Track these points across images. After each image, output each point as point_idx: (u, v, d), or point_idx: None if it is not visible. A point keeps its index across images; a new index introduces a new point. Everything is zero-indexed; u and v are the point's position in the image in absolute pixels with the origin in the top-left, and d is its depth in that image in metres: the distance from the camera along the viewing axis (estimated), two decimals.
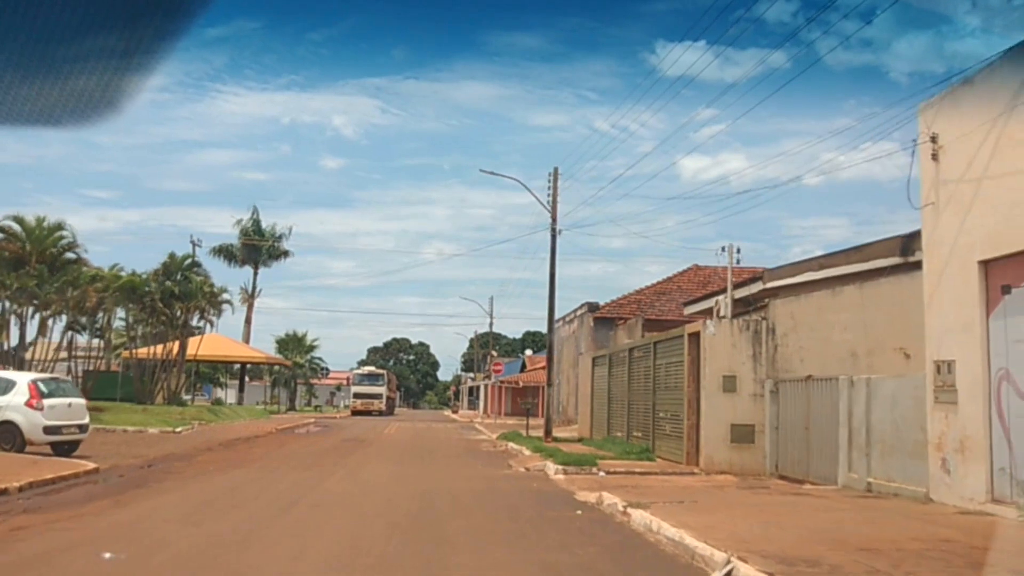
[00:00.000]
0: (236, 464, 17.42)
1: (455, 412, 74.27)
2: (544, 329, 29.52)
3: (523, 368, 62.00)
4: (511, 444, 24.13)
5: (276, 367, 59.51)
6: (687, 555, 7.56)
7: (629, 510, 10.03)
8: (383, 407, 59.21)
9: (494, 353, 67.04)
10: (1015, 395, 9.36)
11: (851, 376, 13.36)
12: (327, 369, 72.06)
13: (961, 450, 10.08)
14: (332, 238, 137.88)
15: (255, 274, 58.13)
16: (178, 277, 34.71)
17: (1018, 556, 7.31)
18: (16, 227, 28.73)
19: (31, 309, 29.65)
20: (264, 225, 58.16)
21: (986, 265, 9.94)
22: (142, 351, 36.16)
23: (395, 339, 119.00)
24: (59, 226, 29.16)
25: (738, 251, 19.18)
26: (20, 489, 11.45)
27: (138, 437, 23.85)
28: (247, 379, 58.91)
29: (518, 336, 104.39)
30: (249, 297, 57.55)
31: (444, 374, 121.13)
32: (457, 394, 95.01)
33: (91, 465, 14.60)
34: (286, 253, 59.30)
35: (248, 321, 57.23)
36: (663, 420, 19.33)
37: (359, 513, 10.83)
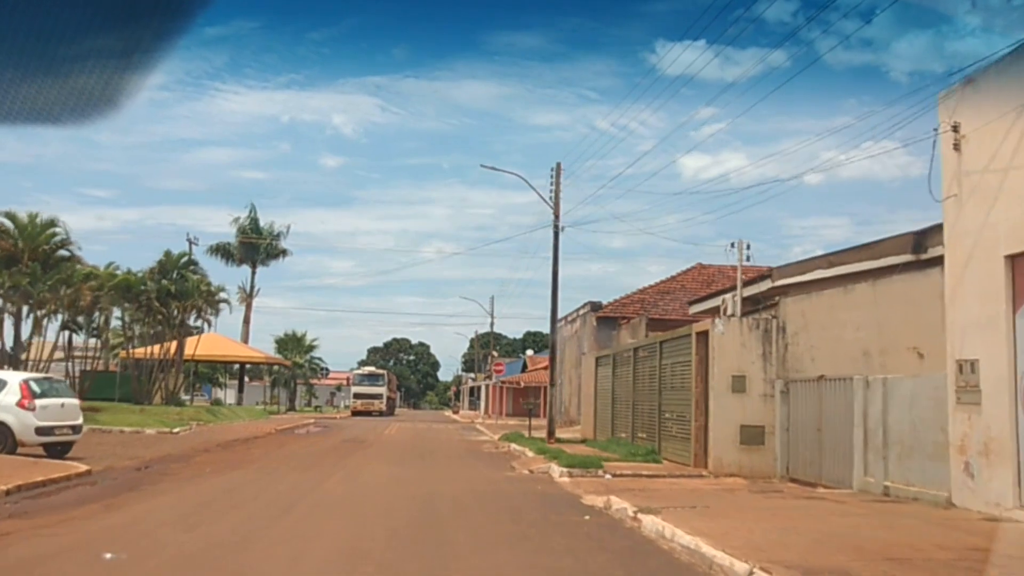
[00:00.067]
0: (234, 466, 17.04)
1: (456, 412, 73.87)
2: (545, 329, 29.23)
3: (524, 368, 61.60)
4: (513, 445, 23.73)
5: (276, 367, 59.12)
6: (704, 564, 7.17)
7: (639, 515, 9.63)
8: (383, 407, 58.82)
9: (495, 353, 66.62)
10: None
11: (866, 376, 12.97)
12: (327, 369, 71.68)
13: (985, 453, 9.68)
14: (331, 237, 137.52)
15: (253, 273, 57.77)
16: (174, 276, 34.31)
17: None
18: (8, 224, 28.29)
19: (26, 308, 29.23)
20: (262, 223, 57.83)
21: (1012, 260, 9.54)
22: (139, 351, 35.81)
23: (395, 339, 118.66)
24: (52, 223, 28.76)
25: (748, 247, 18.63)
26: (8, 492, 11.05)
27: (134, 438, 23.46)
28: (247, 379, 58.56)
29: (519, 336, 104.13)
30: (247, 296, 57.19)
31: (444, 374, 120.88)
32: (458, 394, 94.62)
33: (83, 467, 14.21)
34: (284, 252, 58.95)
35: (247, 321, 56.90)
36: (669, 421, 18.94)
37: (359, 517, 10.45)
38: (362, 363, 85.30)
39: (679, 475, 15.52)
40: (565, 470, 15.60)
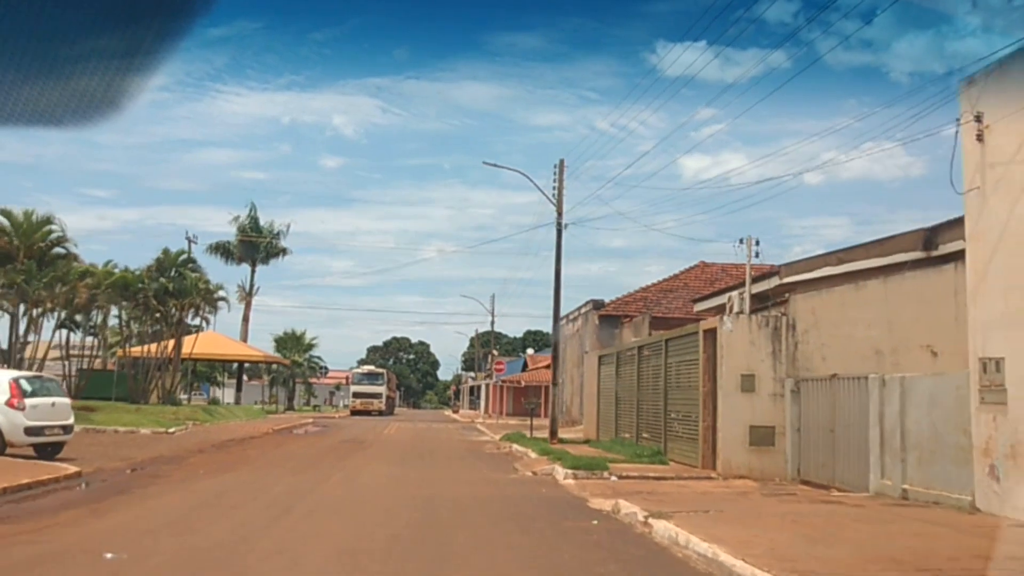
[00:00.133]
0: (228, 467, 16.61)
1: (456, 412, 73.44)
2: (546, 328, 28.83)
3: (525, 367, 61.17)
4: (515, 446, 23.29)
5: (274, 366, 58.66)
6: (723, 575, 6.73)
7: (650, 520, 9.20)
8: (383, 407, 58.33)
9: (495, 352, 66.16)
10: None
11: (882, 375, 12.53)
12: (326, 368, 71.22)
13: (1012, 456, 9.25)
14: (332, 237, 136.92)
15: (252, 272, 57.25)
16: (172, 274, 33.87)
17: None
18: (3, 221, 27.80)
19: (22, 307, 28.77)
20: (262, 222, 57.33)
21: None
22: (136, 350, 35.37)
23: (395, 338, 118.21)
24: (48, 220, 28.26)
25: (757, 243, 18.21)
26: None
27: (128, 438, 23.01)
28: (245, 378, 58.08)
29: (519, 335, 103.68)
30: (247, 295, 56.65)
31: (444, 373, 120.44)
32: (458, 394, 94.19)
33: (72, 469, 13.77)
34: (284, 251, 58.40)
35: (246, 319, 56.37)
36: (675, 421, 18.50)
37: (357, 522, 10.02)
38: (362, 362, 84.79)
39: (687, 477, 15.08)
40: (570, 472, 15.17)
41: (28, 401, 15.62)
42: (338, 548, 8.28)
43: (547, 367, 54.06)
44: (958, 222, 16.31)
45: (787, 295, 16.61)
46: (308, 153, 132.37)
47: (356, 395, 59.21)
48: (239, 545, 8.31)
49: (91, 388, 32.89)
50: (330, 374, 76.28)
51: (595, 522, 9.92)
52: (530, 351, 72.61)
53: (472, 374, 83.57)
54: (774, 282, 19.11)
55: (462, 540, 8.94)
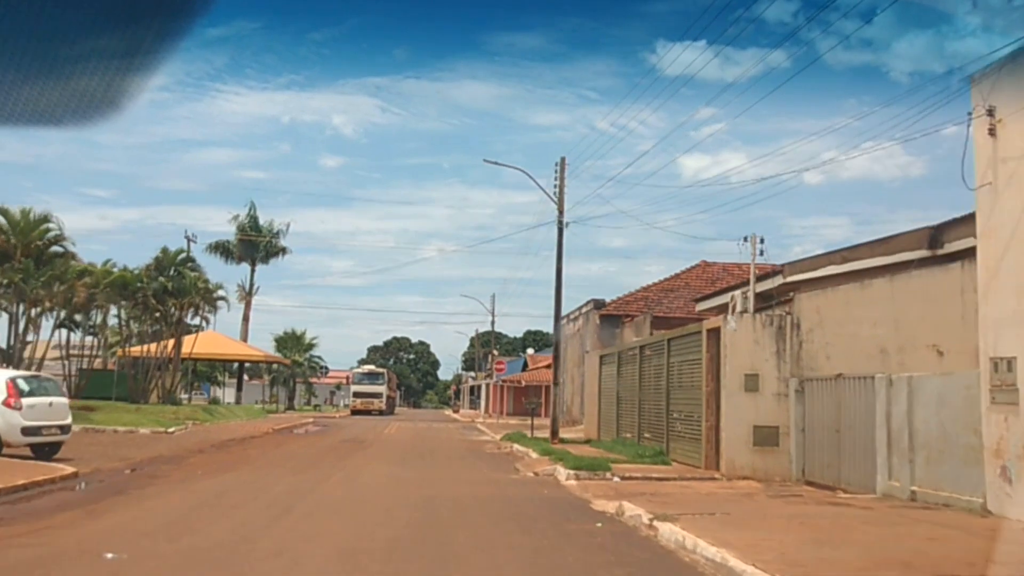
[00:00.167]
0: (227, 467, 16.45)
1: (456, 412, 73.29)
2: (546, 328, 28.57)
3: (525, 367, 61.03)
4: (516, 446, 23.13)
5: (275, 366, 58.50)
6: None
7: (656, 523, 9.03)
8: (383, 406, 58.17)
9: (495, 352, 66.00)
10: None
11: (889, 374, 12.36)
12: (326, 368, 71.04)
13: None
14: (332, 237, 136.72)
15: (252, 271, 57.07)
16: (171, 273, 33.68)
17: None
18: (0, 219, 27.62)
19: (21, 306, 28.60)
20: (261, 221, 57.15)
21: None
22: (136, 349, 35.21)
23: (395, 338, 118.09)
24: (45, 218, 28.07)
25: (761, 241, 18.02)
26: None
27: (128, 438, 22.86)
28: (246, 378, 57.91)
29: (519, 335, 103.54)
30: (246, 294, 56.48)
31: (444, 373, 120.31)
32: (458, 393, 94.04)
33: (69, 469, 13.62)
34: (284, 250, 58.21)
35: (246, 319, 56.19)
36: (678, 421, 18.34)
37: (357, 523, 9.86)
38: (362, 362, 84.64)
39: (690, 478, 14.92)
40: (572, 472, 15.01)
41: (25, 401, 15.46)
42: (338, 549, 8.13)
43: (547, 367, 53.91)
44: (964, 220, 16.18)
45: (792, 294, 16.45)
46: (308, 153, 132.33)
47: (356, 395, 59.05)
48: (239, 546, 8.16)
49: (91, 388, 32.75)
50: (331, 374, 76.12)
51: (599, 524, 9.76)
52: (530, 351, 72.48)
53: (472, 374, 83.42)
54: (777, 281, 18.93)
55: (463, 541, 8.78)
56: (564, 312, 34.33)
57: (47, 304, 29.39)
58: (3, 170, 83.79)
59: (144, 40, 2.59)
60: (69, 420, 16.66)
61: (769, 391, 15.16)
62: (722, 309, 21.48)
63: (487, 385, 63.02)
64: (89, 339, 35.70)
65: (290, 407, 56.90)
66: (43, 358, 29.73)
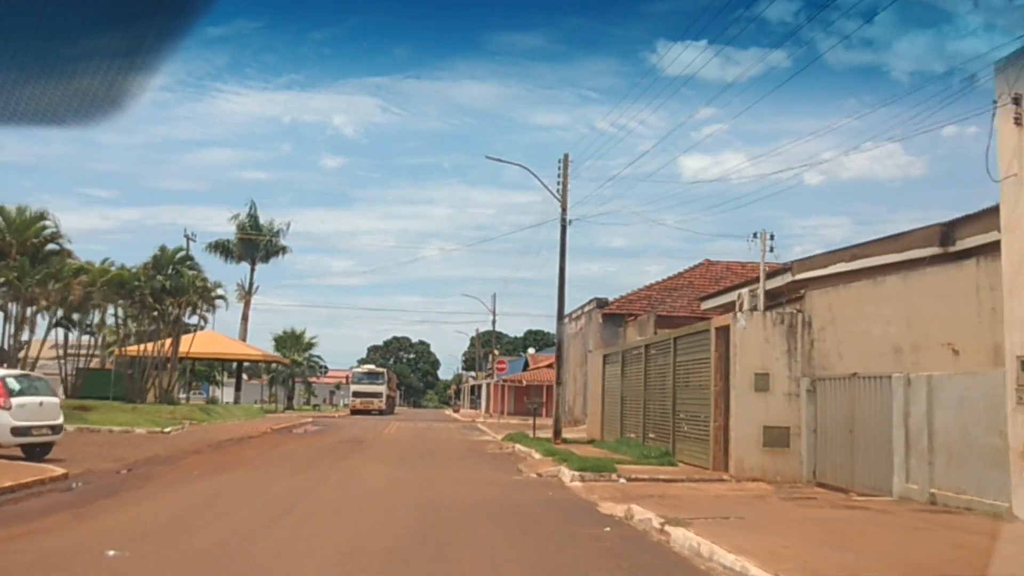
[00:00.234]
0: (223, 468, 16.07)
1: (456, 411, 72.91)
2: (547, 327, 28.09)
3: (526, 367, 60.63)
4: (518, 446, 22.74)
5: (274, 365, 58.08)
6: None
7: (667, 528, 8.63)
8: (383, 406, 57.76)
9: (496, 352, 65.58)
10: None
11: (907, 373, 11.96)
12: (326, 367, 70.60)
13: None
14: (332, 237, 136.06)
15: (252, 270, 56.69)
16: (169, 271, 33.27)
17: None
18: None
19: (16, 305, 28.19)
20: (261, 221, 56.76)
21: None
22: (132, 349, 34.82)
23: (395, 338, 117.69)
24: (41, 215, 27.65)
25: (771, 238, 17.62)
26: None
27: (123, 438, 22.48)
28: (245, 377, 57.51)
29: (520, 335, 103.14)
30: (246, 294, 56.09)
31: (445, 373, 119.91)
32: (458, 393, 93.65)
33: (59, 471, 13.23)
34: (284, 249, 57.80)
35: (245, 318, 55.79)
36: (684, 421, 17.95)
37: (355, 528, 9.46)
38: (362, 361, 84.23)
39: (698, 479, 14.53)
40: (576, 473, 14.62)
41: (15, 400, 15.06)
42: (336, 554, 7.78)
43: (549, 366, 53.56)
44: (977, 217, 15.84)
45: (803, 291, 16.05)
46: (308, 152, 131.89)
47: (356, 394, 58.62)
48: (232, 551, 7.79)
49: (88, 387, 32.38)
50: (330, 373, 75.70)
51: (607, 528, 9.37)
52: (531, 350, 72.08)
53: (473, 373, 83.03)
54: (786, 279, 18.54)
55: (466, 546, 8.40)
56: (566, 311, 33.95)
57: (43, 303, 28.99)
58: (4, 170, 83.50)
59: (146, 39, 2.58)
60: (60, 420, 16.25)
61: (780, 391, 14.77)
62: (728, 308, 21.10)
63: (488, 385, 62.62)
64: (87, 338, 35.35)
65: (289, 407, 56.48)
66: (37, 357, 29.33)
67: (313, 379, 71.84)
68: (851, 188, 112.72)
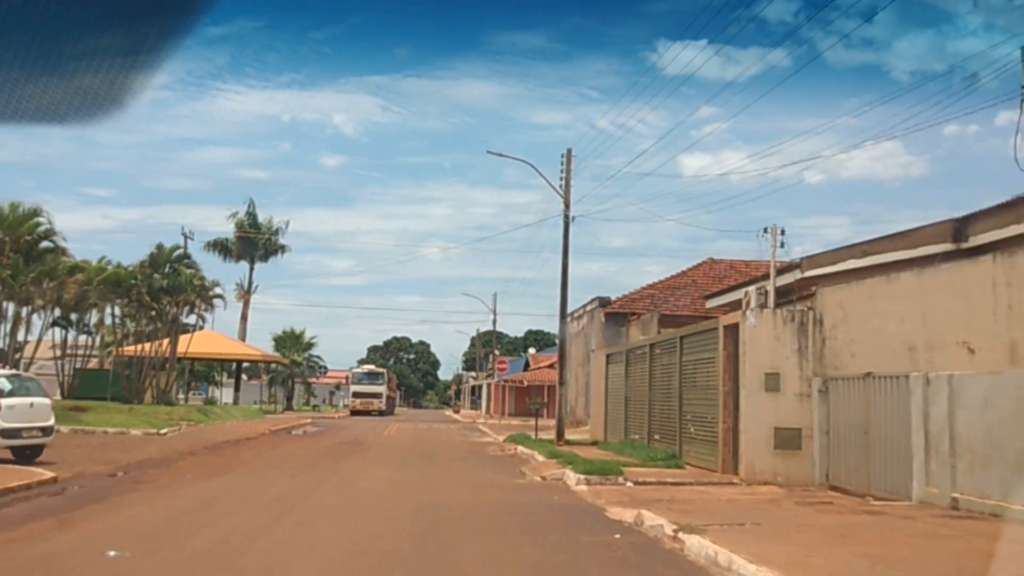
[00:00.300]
0: (219, 471, 15.66)
1: (457, 412, 72.50)
2: (547, 327, 27.61)
3: (527, 367, 60.24)
4: (521, 448, 22.33)
5: (273, 365, 57.65)
6: None
7: (681, 535, 8.22)
8: (383, 407, 57.35)
9: (497, 352, 65.16)
10: None
11: (926, 373, 11.54)
12: (325, 367, 70.16)
13: None
14: (332, 237, 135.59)
15: (251, 269, 56.26)
16: (166, 270, 32.84)
17: None
18: None
19: (11, 304, 27.75)
20: (260, 219, 56.33)
21: None
22: (129, 349, 34.40)
23: (395, 338, 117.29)
24: (35, 212, 27.16)
25: (782, 233, 17.23)
26: None
27: (118, 439, 22.07)
28: (244, 378, 57.08)
29: (520, 335, 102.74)
30: (245, 293, 55.66)
31: (445, 373, 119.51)
32: (458, 393, 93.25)
33: (48, 474, 12.83)
34: (283, 248, 57.38)
35: (244, 318, 55.36)
36: (691, 423, 17.52)
37: (353, 534, 9.04)
38: (362, 362, 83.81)
39: (707, 482, 14.11)
40: (582, 476, 14.21)
41: (4, 401, 14.65)
42: (333, 562, 7.39)
43: (550, 366, 53.13)
44: (990, 212, 15.46)
45: (814, 288, 15.64)
46: (308, 152, 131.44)
47: (356, 395, 58.21)
48: (222, 560, 7.39)
49: (85, 388, 31.98)
50: (330, 374, 75.28)
51: (617, 535, 8.94)
52: (532, 350, 71.68)
53: (473, 374, 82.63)
54: (795, 276, 18.14)
55: (470, 555, 7.98)
56: (569, 310, 33.57)
57: (39, 302, 28.56)
58: (5, 169, 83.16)
59: (147, 38, 2.58)
60: (51, 422, 15.83)
61: (791, 391, 14.34)
62: (733, 306, 20.69)
63: (488, 385, 62.21)
64: (84, 338, 34.91)
65: (288, 407, 56.06)
66: (32, 357, 28.91)
67: (313, 379, 71.42)
68: (851, 188, 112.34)
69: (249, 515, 10.16)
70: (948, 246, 15.98)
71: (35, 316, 29.79)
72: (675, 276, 35.96)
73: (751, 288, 20.53)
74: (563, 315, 26.07)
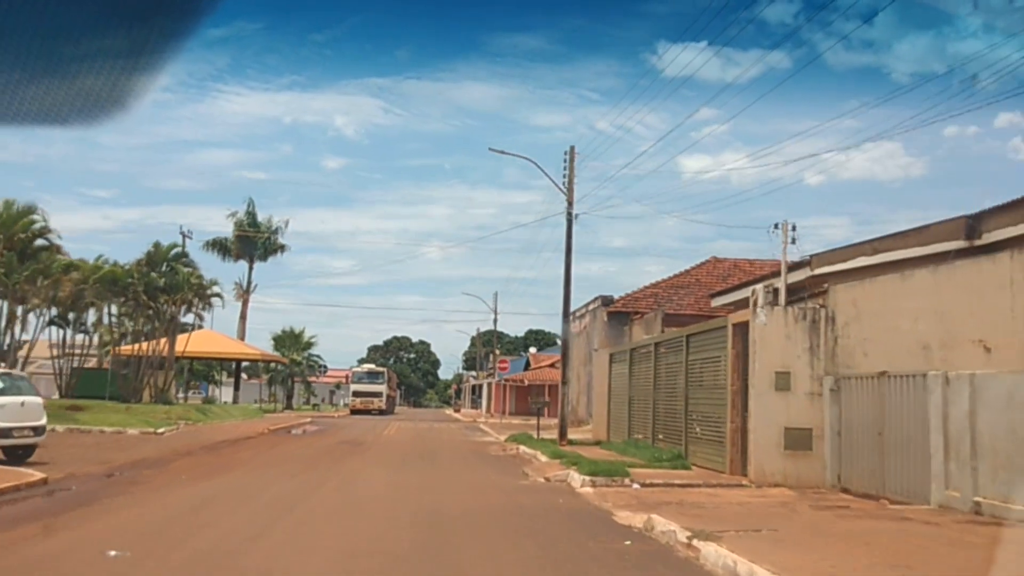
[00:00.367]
0: (215, 471, 15.29)
1: (457, 411, 72.13)
2: (549, 327, 27.28)
3: (528, 366, 59.86)
4: (523, 448, 21.96)
5: (273, 365, 57.25)
6: None
7: (696, 542, 7.82)
8: (383, 406, 56.95)
9: (497, 351, 64.77)
10: None
11: (946, 372, 11.15)
12: (325, 366, 69.77)
13: None
14: (332, 237, 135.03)
15: (250, 268, 55.84)
16: (164, 268, 32.44)
17: None
18: None
19: (5, 302, 27.36)
20: (260, 218, 55.90)
21: None
22: (127, 348, 34.02)
23: (396, 337, 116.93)
24: (30, 209, 26.73)
25: (793, 229, 16.84)
26: None
27: (114, 439, 21.69)
28: (244, 377, 56.67)
29: (520, 334, 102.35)
30: (244, 292, 55.25)
31: (445, 372, 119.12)
32: (459, 393, 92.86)
33: (39, 475, 12.45)
34: (283, 247, 56.97)
35: (243, 317, 54.96)
36: (697, 423, 17.14)
37: (351, 541, 8.66)
38: (362, 361, 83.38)
39: (716, 484, 13.73)
40: (587, 478, 13.82)
41: None
42: (331, 568, 6.97)
43: (551, 366, 52.74)
44: (1004, 209, 15.07)
45: (826, 285, 15.25)
46: (309, 153, 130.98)
47: (356, 394, 57.80)
48: (213, 570, 7.00)
49: (83, 387, 31.63)
50: (330, 373, 74.91)
51: (627, 542, 8.56)
52: (532, 350, 71.28)
53: (473, 373, 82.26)
54: (805, 273, 17.74)
55: (476, 566, 7.59)
56: (571, 309, 33.16)
57: (35, 301, 28.17)
58: (5, 170, 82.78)
59: (149, 39, 2.57)
60: (43, 421, 15.46)
61: (801, 390, 13.96)
62: (740, 305, 20.29)
63: (489, 384, 61.83)
64: (82, 337, 34.53)
65: (288, 407, 55.67)
66: (27, 357, 28.51)
67: (312, 379, 71.03)
68: (851, 188, 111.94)
69: (243, 520, 9.77)
70: (961, 243, 15.58)
71: (32, 315, 29.46)
72: (678, 275, 35.62)
73: (759, 286, 20.09)
74: (566, 313, 25.68)
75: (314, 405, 67.67)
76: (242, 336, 53.25)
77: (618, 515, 10.37)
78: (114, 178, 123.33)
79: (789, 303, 16.41)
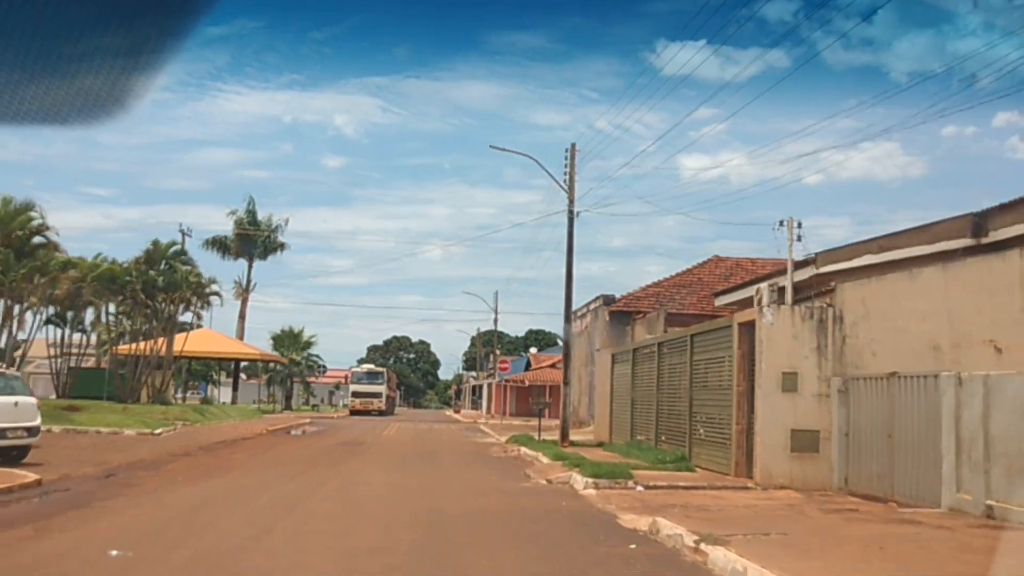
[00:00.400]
0: (211, 473, 15.06)
1: (457, 412, 71.89)
2: (549, 326, 27.01)
3: (528, 367, 59.62)
4: (524, 449, 21.72)
5: (272, 365, 57.02)
6: None
7: (703, 546, 7.59)
8: (383, 406, 56.70)
9: (498, 351, 64.53)
10: None
11: (958, 373, 10.92)
12: (324, 367, 69.50)
13: None
14: (332, 236, 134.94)
15: (250, 267, 55.62)
16: (162, 266, 32.21)
17: None
18: None
19: (2, 300, 27.12)
20: (260, 217, 55.68)
21: None
22: (124, 347, 33.78)
23: (395, 337, 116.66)
24: (28, 207, 26.50)
25: (799, 226, 16.60)
26: None
27: (110, 440, 21.45)
28: (243, 377, 56.42)
29: (521, 334, 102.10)
30: (243, 291, 55.02)
31: (445, 372, 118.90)
32: (459, 393, 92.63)
33: (32, 477, 12.23)
34: (282, 246, 56.74)
35: (242, 316, 54.76)
36: (701, 424, 16.91)
37: (352, 542, 8.45)
38: (362, 361, 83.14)
39: (721, 487, 13.49)
40: (590, 480, 13.59)
41: None
42: (331, 572, 6.75)
43: (552, 366, 52.48)
44: (1012, 206, 14.85)
45: (833, 284, 15.01)
46: (309, 153, 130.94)
47: (355, 394, 57.56)
48: (213, 571, 6.78)
49: (80, 387, 31.41)
50: (329, 373, 74.64)
51: (633, 546, 8.33)
52: (533, 350, 71.05)
53: (473, 373, 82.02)
54: (810, 272, 17.51)
55: (475, 567, 7.36)
56: (572, 308, 32.89)
57: (32, 299, 27.94)
58: (5, 169, 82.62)
59: (148, 39, 2.57)
60: (38, 421, 15.22)
61: (809, 391, 13.73)
62: (743, 304, 20.04)
63: (489, 385, 61.59)
64: (80, 336, 34.32)
65: (287, 407, 55.43)
66: (24, 356, 28.29)
67: (312, 379, 70.76)
68: (850, 188, 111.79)
69: (237, 524, 9.53)
70: (968, 241, 15.39)
71: (29, 314, 29.24)
72: (680, 274, 35.39)
73: (763, 285, 19.83)
74: (568, 313, 25.46)
75: (313, 406, 67.42)
76: (241, 336, 53.04)
77: (622, 518, 10.15)
78: (114, 177, 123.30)
79: (794, 302, 16.19)
